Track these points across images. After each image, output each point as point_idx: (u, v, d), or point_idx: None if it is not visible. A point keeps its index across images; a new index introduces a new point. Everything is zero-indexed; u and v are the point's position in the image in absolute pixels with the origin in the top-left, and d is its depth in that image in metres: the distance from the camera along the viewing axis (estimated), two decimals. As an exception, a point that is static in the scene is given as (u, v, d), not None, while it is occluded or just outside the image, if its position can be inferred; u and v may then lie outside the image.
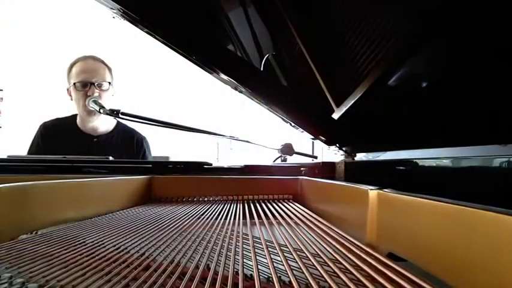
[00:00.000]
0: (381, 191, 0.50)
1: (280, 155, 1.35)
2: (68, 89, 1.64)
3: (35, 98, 3.61)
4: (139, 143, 1.73)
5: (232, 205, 0.86)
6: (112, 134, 1.69)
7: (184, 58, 1.00)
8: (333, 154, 1.15)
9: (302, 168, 1.13)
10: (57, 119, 1.73)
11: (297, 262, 0.41)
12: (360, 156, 1.08)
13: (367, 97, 0.79)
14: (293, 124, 1.19)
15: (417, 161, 0.70)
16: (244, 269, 0.40)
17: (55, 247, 0.47)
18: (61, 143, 1.60)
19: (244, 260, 0.43)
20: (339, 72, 0.89)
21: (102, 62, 1.63)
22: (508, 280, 0.27)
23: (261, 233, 0.56)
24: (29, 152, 1.67)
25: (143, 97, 3.55)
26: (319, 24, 0.93)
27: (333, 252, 0.45)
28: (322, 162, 1.10)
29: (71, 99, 1.63)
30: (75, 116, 1.68)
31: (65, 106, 1.71)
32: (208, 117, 3.65)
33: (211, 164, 1.16)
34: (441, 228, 0.36)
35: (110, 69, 1.65)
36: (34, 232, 0.60)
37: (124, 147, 1.69)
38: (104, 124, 1.66)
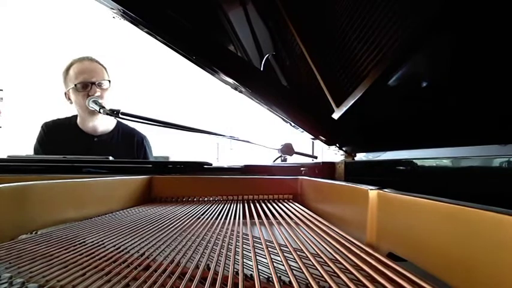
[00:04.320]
0: (381, 191, 0.50)
1: (280, 155, 1.35)
2: (65, 93, 1.63)
3: (34, 98, 3.61)
4: (140, 142, 1.73)
5: (232, 205, 0.86)
6: (112, 134, 1.70)
7: (184, 58, 1.00)
8: (333, 154, 1.15)
9: (302, 168, 1.13)
10: (58, 119, 1.73)
11: (297, 262, 0.41)
12: (360, 156, 1.08)
13: (367, 97, 0.79)
14: (293, 124, 1.19)
15: (417, 161, 0.70)
16: (244, 269, 0.40)
17: (55, 247, 0.47)
18: (62, 143, 1.61)
19: (244, 260, 0.43)
20: (339, 72, 0.89)
21: (98, 62, 1.64)
22: (508, 280, 0.27)
23: (261, 233, 0.56)
24: (35, 152, 1.68)
25: (143, 97, 3.55)
26: (319, 24, 0.93)
27: (333, 252, 0.45)
28: (322, 162, 1.10)
29: (70, 103, 1.63)
30: (75, 116, 1.69)
31: (65, 106, 1.71)
32: (208, 117, 3.66)
33: (211, 164, 1.16)
34: (441, 228, 0.36)
35: (105, 69, 1.65)
36: (34, 232, 0.60)
37: (124, 146, 1.69)
38: (104, 123, 1.66)
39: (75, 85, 1.56)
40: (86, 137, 1.65)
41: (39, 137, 1.70)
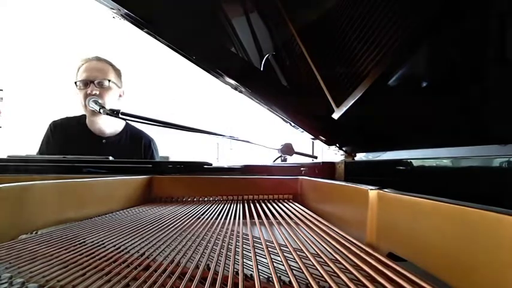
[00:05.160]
0: (381, 191, 0.50)
1: (280, 155, 1.35)
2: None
3: (35, 98, 3.61)
4: (148, 144, 1.73)
5: (232, 205, 0.86)
6: (121, 136, 1.70)
7: (184, 58, 1.00)
8: (333, 154, 1.15)
9: (302, 168, 1.13)
10: (67, 118, 1.72)
11: (297, 262, 0.41)
12: (360, 156, 1.08)
13: (367, 97, 0.79)
14: (293, 124, 1.19)
15: (417, 161, 0.70)
16: (244, 269, 0.40)
17: (55, 247, 0.47)
18: (71, 143, 1.61)
19: (244, 260, 0.43)
20: (339, 72, 0.89)
21: (107, 62, 1.63)
22: (508, 280, 0.27)
23: (261, 233, 0.56)
24: (40, 151, 1.67)
25: (144, 97, 3.55)
26: (319, 24, 0.93)
27: (333, 252, 0.45)
28: (322, 162, 1.10)
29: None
30: (85, 116, 1.68)
31: (66, 106, 1.71)
32: (208, 117, 3.66)
33: (211, 164, 1.16)
34: (441, 228, 0.36)
35: (115, 70, 1.65)
36: (34, 232, 0.60)
37: (132, 148, 1.69)
38: (111, 125, 1.66)
39: (75, 83, 1.57)
40: (95, 138, 1.65)
41: (45, 136, 1.69)
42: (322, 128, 1.09)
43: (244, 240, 0.52)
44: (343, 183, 0.70)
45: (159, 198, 0.98)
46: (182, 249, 0.48)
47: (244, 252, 0.46)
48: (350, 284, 0.34)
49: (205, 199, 0.98)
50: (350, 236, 0.52)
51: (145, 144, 1.73)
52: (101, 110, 1.31)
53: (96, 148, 1.59)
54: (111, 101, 1.58)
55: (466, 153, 0.61)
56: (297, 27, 0.97)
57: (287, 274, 0.37)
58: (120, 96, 1.66)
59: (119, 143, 1.67)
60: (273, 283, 0.35)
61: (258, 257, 0.44)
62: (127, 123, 1.72)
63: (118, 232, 0.57)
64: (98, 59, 1.62)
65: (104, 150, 1.58)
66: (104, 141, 1.65)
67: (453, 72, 0.64)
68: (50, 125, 1.70)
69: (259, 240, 0.52)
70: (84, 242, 0.50)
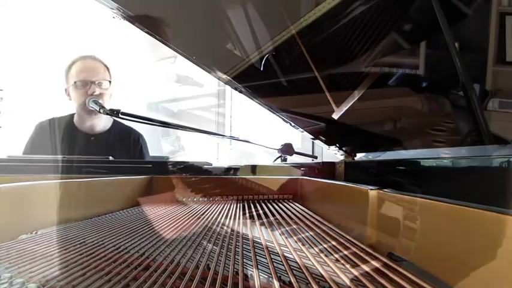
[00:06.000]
0: (381, 191, 0.50)
1: (280, 155, 1.35)
2: (66, 89, 1.64)
3: (34, 98, 3.61)
4: (136, 140, 1.73)
5: (232, 205, 0.86)
6: (109, 133, 1.70)
7: (184, 58, 1.00)
8: (333, 154, 1.15)
9: (302, 168, 1.13)
10: (53, 119, 1.72)
11: (296, 262, 0.41)
12: (360, 156, 1.08)
13: (366, 97, 0.79)
14: (293, 124, 1.19)
15: (417, 161, 0.70)
16: (244, 269, 0.39)
17: (55, 247, 0.47)
18: (58, 142, 1.61)
19: (244, 260, 0.43)
20: (339, 73, 0.89)
21: (101, 61, 1.64)
22: (507, 279, 0.27)
23: (261, 233, 0.56)
24: (24, 151, 1.67)
25: (144, 97, 3.55)
26: (319, 24, 0.93)
27: (333, 252, 0.45)
28: (322, 162, 1.10)
29: (70, 99, 1.63)
30: (72, 115, 1.68)
31: (65, 106, 1.71)
32: (208, 117, 3.65)
33: (211, 164, 1.16)
34: (441, 228, 0.36)
35: (108, 69, 1.65)
36: (34, 232, 0.59)
37: (121, 144, 1.69)
38: (101, 122, 1.66)
39: (75, 82, 1.57)
40: (83, 136, 1.65)
41: (29, 138, 1.69)
42: (322, 128, 1.09)
43: (244, 240, 0.52)
44: (343, 183, 0.70)
45: (159, 198, 0.98)
46: (182, 249, 0.48)
47: (244, 252, 0.46)
48: (350, 284, 0.34)
49: (205, 199, 0.98)
50: (350, 236, 0.52)
51: (134, 140, 1.73)
52: (101, 110, 1.31)
53: (85, 146, 1.60)
54: (107, 100, 1.58)
55: (466, 153, 0.61)
56: (297, 27, 0.97)
57: (287, 274, 0.37)
58: (111, 95, 1.67)
59: (108, 140, 1.68)
60: (273, 283, 0.35)
61: (257, 257, 0.44)
62: (114, 120, 1.72)
63: (118, 232, 0.57)
64: (93, 58, 1.62)
65: (93, 148, 1.59)
66: (92, 138, 1.65)
67: (454, 73, 0.64)
68: (36, 126, 1.70)
69: (259, 240, 0.52)
70: (84, 242, 0.50)
